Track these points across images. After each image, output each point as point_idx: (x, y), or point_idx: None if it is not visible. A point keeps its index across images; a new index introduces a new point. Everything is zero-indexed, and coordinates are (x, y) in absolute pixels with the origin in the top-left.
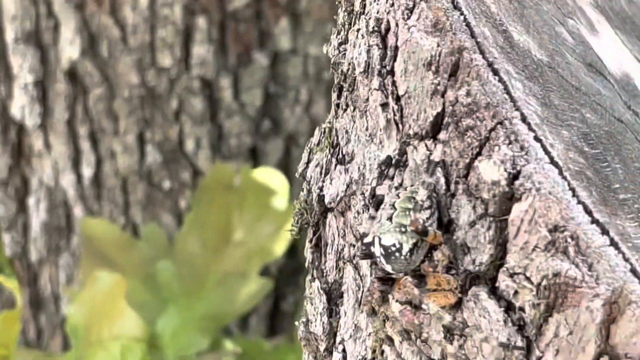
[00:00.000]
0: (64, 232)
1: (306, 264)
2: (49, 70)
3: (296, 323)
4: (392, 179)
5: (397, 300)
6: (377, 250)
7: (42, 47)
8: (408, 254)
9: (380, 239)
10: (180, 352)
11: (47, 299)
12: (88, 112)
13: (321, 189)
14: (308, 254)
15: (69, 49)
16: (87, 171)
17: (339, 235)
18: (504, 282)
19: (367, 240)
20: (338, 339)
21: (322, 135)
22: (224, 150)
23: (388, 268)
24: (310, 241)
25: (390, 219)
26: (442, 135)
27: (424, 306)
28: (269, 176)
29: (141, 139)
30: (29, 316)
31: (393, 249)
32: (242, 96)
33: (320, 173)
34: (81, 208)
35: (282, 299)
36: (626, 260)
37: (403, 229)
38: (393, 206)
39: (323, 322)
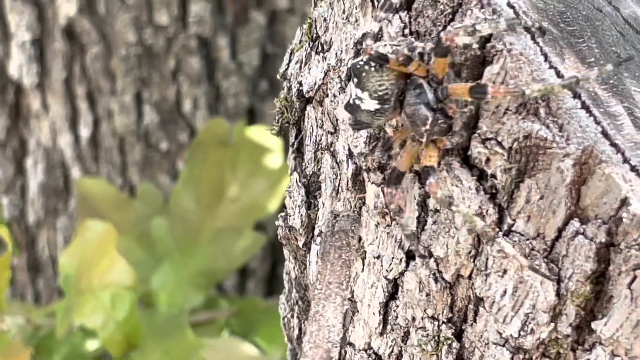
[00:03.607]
0: (62, 194)
1: (289, 172)
2: (47, 28)
3: (277, 221)
4: None
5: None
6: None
7: (39, 4)
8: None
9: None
10: (175, 308)
11: (45, 262)
12: (85, 71)
13: (300, 83)
14: (290, 160)
15: (66, 6)
16: (85, 131)
17: (317, 125)
18: (476, 149)
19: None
20: (316, 232)
21: (302, 35)
22: (222, 111)
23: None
24: (292, 145)
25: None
26: (416, 5)
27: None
28: (264, 134)
29: (138, 98)
30: (27, 280)
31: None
32: (240, 56)
33: (300, 68)
34: (79, 169)
35: (279, 263)
36: (597, 123)
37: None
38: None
39: (301, 215)
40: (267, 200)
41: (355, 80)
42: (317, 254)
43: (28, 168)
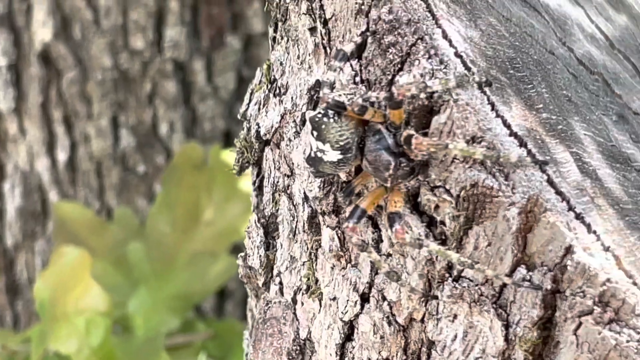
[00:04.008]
0: (40, 217)
1: (251, 209)
2: (22, 54)
3: (237, 260)
4: None
5: (327, 225)
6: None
7: (14, 29)
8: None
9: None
10: (151, 331)
11: (24, 285)
12: (62, 95)
13: (259, 124)
14: (252, 197)
15: (42, 31)
16: (62, 155)
17: (274, 167)
18: (425, 196)
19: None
20: (275, 272)
21: (262, 75)
22: (198, 134)
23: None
24: (254, 183)
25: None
26: (366, 54)
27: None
28: None
29: (115, 122)
30: (5, 303)
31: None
32: (216, 79)
33: (259, 109)
34: (56, 193)
35: None
36: (543, 171)
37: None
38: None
39: (260, 255)
40: (242, 224)
41: (315, 133)
42: (249, 342)
43: (6, 192)
